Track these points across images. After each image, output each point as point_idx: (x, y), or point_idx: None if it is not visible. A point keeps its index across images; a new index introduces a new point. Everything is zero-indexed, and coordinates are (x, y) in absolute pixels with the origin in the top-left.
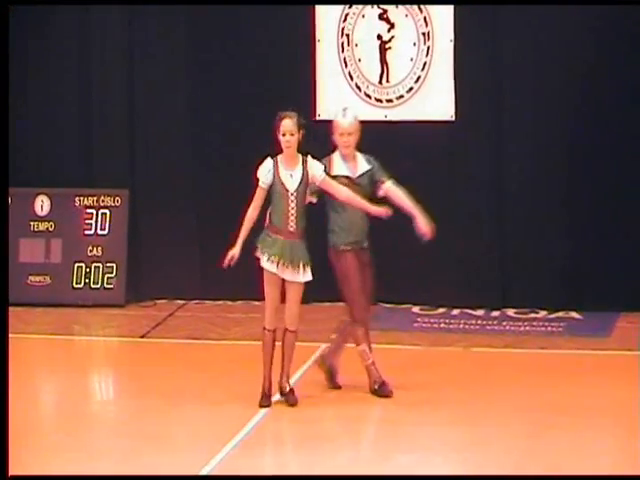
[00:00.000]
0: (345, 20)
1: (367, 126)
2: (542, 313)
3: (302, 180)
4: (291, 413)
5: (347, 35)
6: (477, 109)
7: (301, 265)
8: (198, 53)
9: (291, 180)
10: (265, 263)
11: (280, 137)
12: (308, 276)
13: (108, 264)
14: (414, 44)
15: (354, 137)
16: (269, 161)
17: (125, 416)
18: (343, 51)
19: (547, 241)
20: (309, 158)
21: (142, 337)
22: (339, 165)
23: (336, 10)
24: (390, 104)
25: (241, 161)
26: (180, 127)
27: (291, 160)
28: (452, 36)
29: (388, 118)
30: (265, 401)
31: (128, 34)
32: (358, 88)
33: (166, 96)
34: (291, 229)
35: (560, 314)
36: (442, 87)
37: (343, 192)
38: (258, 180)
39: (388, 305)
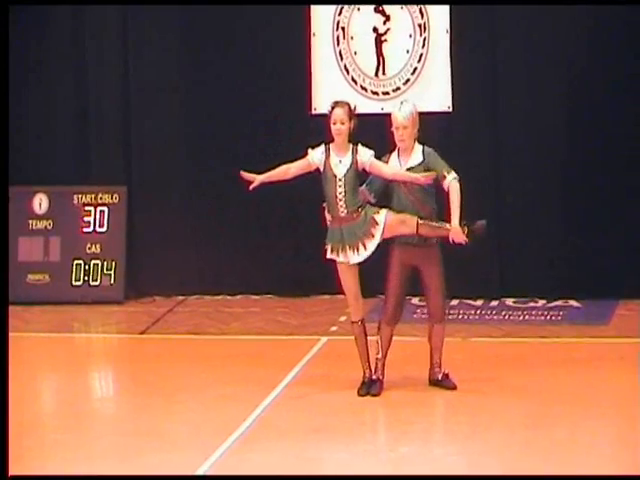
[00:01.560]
0: (340, 13)
1: (364, 119)
2: (541, 302)
3: (351, 166)
4: (292, 407)
5: (342, 28)
6: (474, 100)
7: (353, 247)
8: (193, 50)
9: (340, 166)
10: (329, 254)
11: (331, 125)
12: (356, 257)
13: (107, 261)
14: (410, 36)
15: (409, 131)
16: (322, 146)
17: (125, 413)
18: (339, 44)
19: (545, 230)
20: (359, 146)
21: (142, 333)
22: (393, 159)
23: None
24: (387, 96)
25: (238, 156)
26: (176, 124)
27: (341, 148)
28: (448, 27)
29: (385, 111)
30: (364, 389)
31: (123, 33)
32: (354, 81)
33: (162, 93)
34: (342, 214)
35: (559, 303)
36: (439, 78)
37: (389, 170)
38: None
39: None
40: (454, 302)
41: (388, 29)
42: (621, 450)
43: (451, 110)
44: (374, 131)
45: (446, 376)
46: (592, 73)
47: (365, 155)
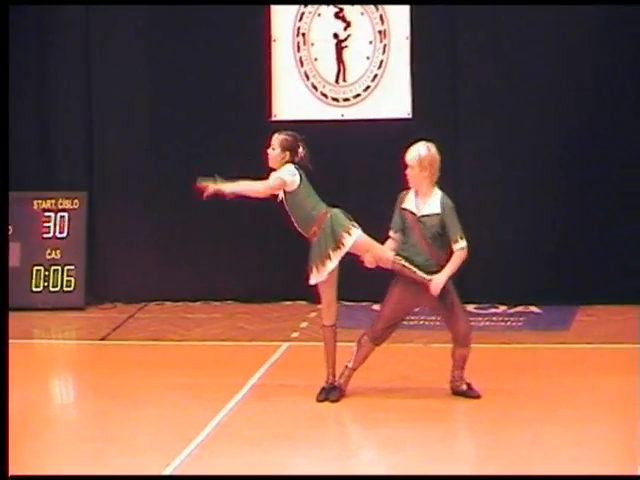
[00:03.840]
0: (301, 19)
1: (324, 126)
2: (502, 308)
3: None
4: (254, 413)
5: (303, 34)
6: (434, 106)
7: (313, 266)
8: (154, 56)
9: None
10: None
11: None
12: (314, 278)
13: (67, 267)
14: (370, 42)
15: (415, 172)
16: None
17: (86, 419)
18: (299, 51)
19: (505, 236)
20: (285, 165)
21: (102, 339)
22: (410, 199)
23: (292, 9)
24: (347, 103)
25: (199, 162)
26: (137, 129)
27: None
28: (408, 33)
29: (345, 117)
30: (323, 395)
31: (86, 36)
32: (314, 88)
33: (123, 99)
34: (305, 234)
35: (520, 309)
36: (399, 85)
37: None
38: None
39: (349, 303)
40: (415, 308)
41: (349, 35)
42: (583, 452)
43: (411, 116)
44: (334, 138)
45: (469, 386)
46: (552, 76)
47: (281, 172)
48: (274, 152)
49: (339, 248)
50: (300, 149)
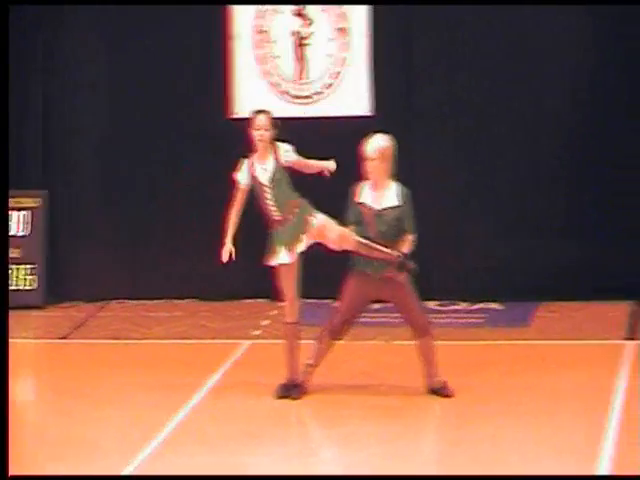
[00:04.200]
0: (261, 17)
1: (285, 123)
2: (463, 305)
3: (275, 169)
4: (215, 411)
5: (264, 32)
6: (394, 103)
7: (282, 247)
8: (113, 52)
9: (264, 173)
10: (268, 261)
11: (254, 132)
12: (277, 259)
13: (28, 266)
14: (331, 40)
15: (376, 164)
16: (244, 162)
17: (46, 419)
18: (260, 48)
19: (465, 233)
20: (277, 143)
21: (63, 338)
22: (365, 193)
23: (252, 7)
24: (308, 100)
25: (159, 161)
26: (97, 127)
27: (262, 155)
28: (368, 31)
29: (306, 115)
30: (282, 391)
31: (43, 34)
32: (275, 85)
33: (85, 96)
34: (276, 217)
35: (481, 305)
36: (359, 82)
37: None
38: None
39: (310, 300)
40: (377, 305)
41: (309, 33)
42: (544, 447)
43: (371, 114)
44: (296, 135)
45: (444, 385)
46: (511, 71)
47: (283, 147)
48: (268, 133)
49: (309, 231)
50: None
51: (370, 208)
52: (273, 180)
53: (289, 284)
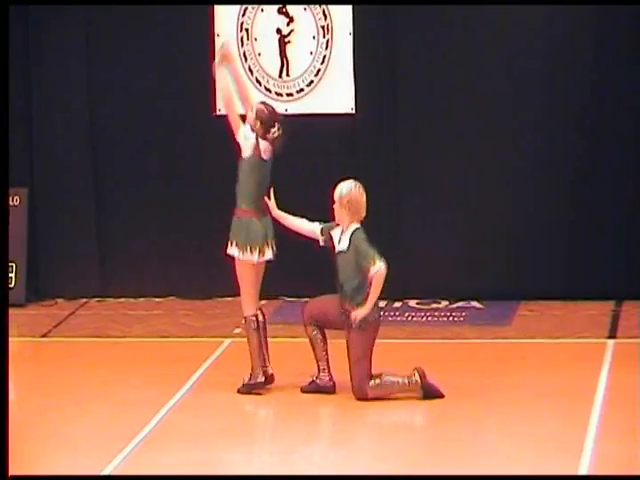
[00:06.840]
0: (244, 14)
1: None
2: (444, 303)
3: (247, 158)
4: (196, 409)
5: (246, 29)
6: (376, 101)
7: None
8: (97, 50)
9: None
10: (250, 256)
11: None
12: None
13: (8, 263)
14: (313, 37)
15: (336, 207)
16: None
17: (27, 416)
18: (242, 45)
19: (445, 231)
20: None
21: (43, 336)
22: (336, 233)
23: (236, 6)
24: (291, 98)
25: (141, 158)
26: (79, 124)
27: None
28: (351, 29)
29: (289, 112)
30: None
31: (25, 33)
32: (258, 82)
33: (65, 94)
34: (240, 209)
35: (461, 304)
36: (342, 80)
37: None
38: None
39: (290, 299)
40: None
41: (292, 30)
42: (524, 446)
43: (354, 112)
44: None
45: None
46: (495, 70)
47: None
48: (249, 114)
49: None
50: (273, 129)
51: (334, 247)
52: (240, 166)
53: (255, 279)
